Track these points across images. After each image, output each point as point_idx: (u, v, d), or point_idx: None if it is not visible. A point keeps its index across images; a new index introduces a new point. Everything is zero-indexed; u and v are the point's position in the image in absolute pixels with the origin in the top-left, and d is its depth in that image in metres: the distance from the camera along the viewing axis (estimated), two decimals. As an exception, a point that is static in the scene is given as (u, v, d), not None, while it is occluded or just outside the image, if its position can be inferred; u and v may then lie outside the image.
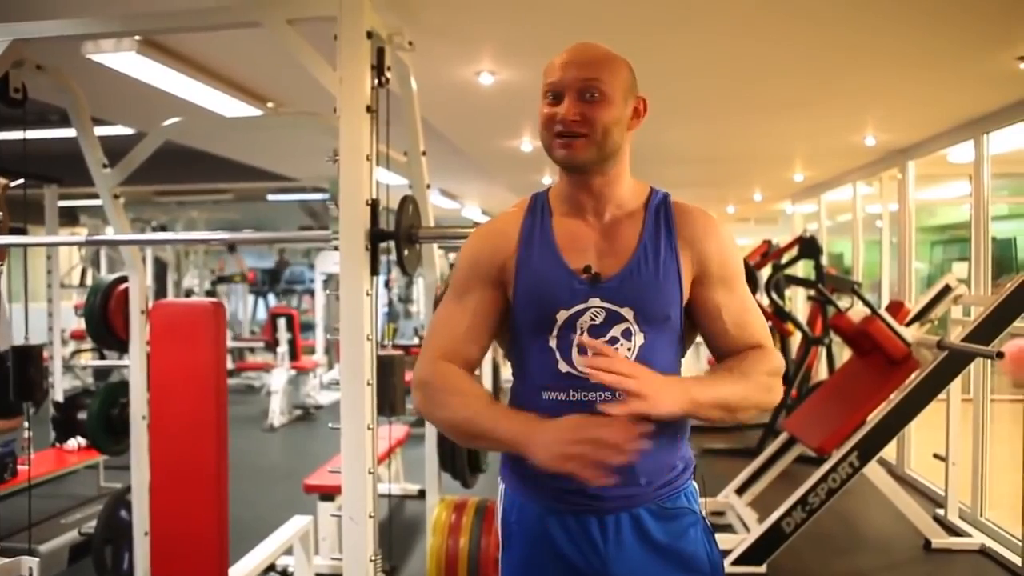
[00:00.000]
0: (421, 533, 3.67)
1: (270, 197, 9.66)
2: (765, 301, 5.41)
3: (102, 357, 7.23)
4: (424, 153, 2.62)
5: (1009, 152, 4.47)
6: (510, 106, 3.96)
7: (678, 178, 6.84)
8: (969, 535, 3.79)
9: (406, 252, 2.11)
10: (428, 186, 2.65)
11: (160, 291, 9.22)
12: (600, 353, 1.14)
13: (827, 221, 7.20)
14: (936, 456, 3.99)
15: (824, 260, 5.58)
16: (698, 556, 1.30)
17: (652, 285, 1.26)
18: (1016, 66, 3.17)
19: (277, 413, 6.97)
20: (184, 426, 2.33)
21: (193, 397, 2.33)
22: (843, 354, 5.32)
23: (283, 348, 7.37)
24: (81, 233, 8.38)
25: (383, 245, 2.02)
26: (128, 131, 4.78)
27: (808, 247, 5.53)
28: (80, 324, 7.15)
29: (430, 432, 2.92)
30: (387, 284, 8.62)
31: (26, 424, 3.16)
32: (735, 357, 1.29)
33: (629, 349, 1.24)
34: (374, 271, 2.00)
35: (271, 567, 3.21)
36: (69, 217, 8.42)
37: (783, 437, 4.19)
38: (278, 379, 7.09)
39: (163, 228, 9.37)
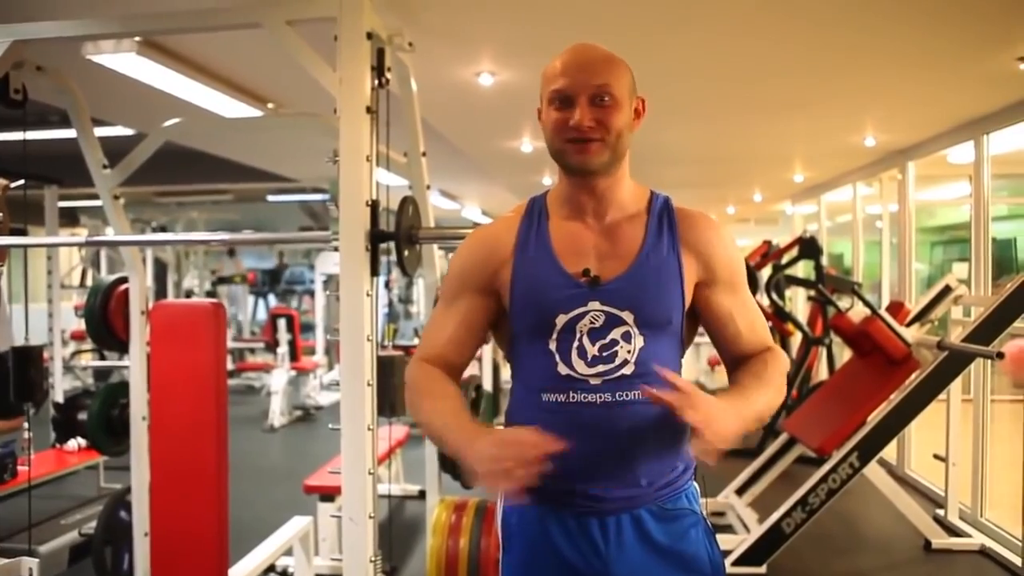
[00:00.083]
0: (421, 534, 3.67)
1: (270, 198, 9.66)
2: (765, 301, 5.41)
3: (102, 358, 7.22)
4: (424, 154, 2.62)
5: (1009, 153, 4.47)
6: (510, 107, 3.96)
7: (678, 178, 6.84)
8: (969, 535, 3.79)
9: (406, 253, 2.11)
10: (428, 187, 2.64)
11: (160, 292, 9.22)
12: (679, 390, 1.13)
13: (827, 222, 7.20)
14: (936, 456, 3.99)
15: (824, 261, 5.58)
16: (699, 557, 1.30)
17: (654, 289, 1.26)
18: (1016, 66, 3.17)
19: (277, 414, 6.98)
20: (184, 427, 2.33)
21: (193, 398, 2.33)
22: (843, 354, 5.32)
23: (283, 349, 7.38)
24: (81, 234, 8.38)
25: (383, 246, 2.02)
26: (128, 132, 4.78)
27: (808, 248, 5.53)
28: (80, 325, 7.15)
29: (430, 433, 2.92)
30: (387, 285, 8.61)
31: (26, 425, 3.17)
32: (756, 363, 1.30)
33: (629, 352, 1.24)
34: (374, 272, 2.00)
35: (271, 568, 3.20)
36: (69, 218, 8.41)
37: (783, 438, 4.19)
38: (278, 380, 7.09)
39: (163, 229, 9.37)
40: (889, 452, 4.44)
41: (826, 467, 3.34)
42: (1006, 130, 3.94)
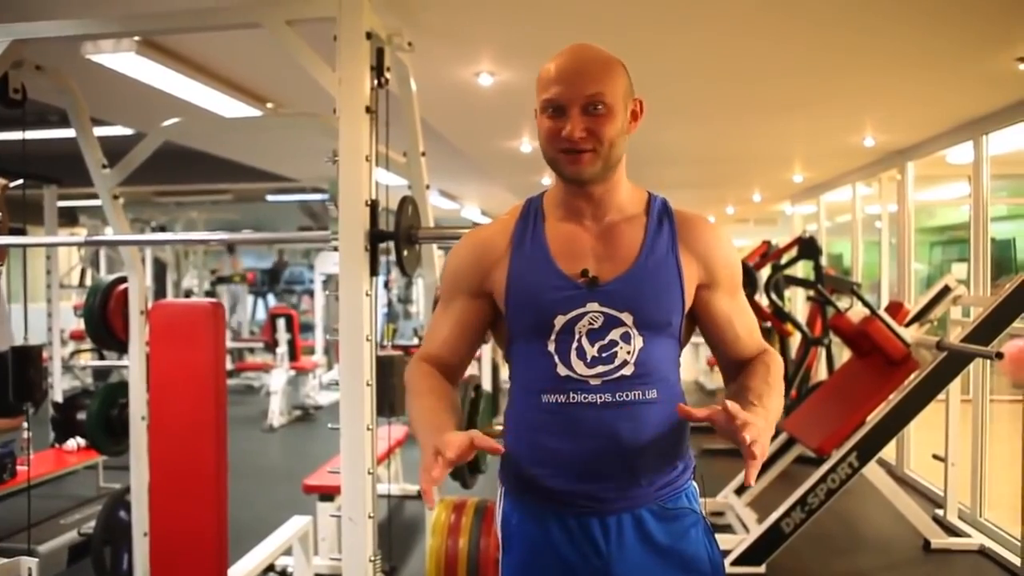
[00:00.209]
0: (420, 533, 3.67)
1: (269, 198, 9.66)
2: (765, 302, 5.41)
3: (101, 357, 7.21)
4: (423, 154, 2.62)
5: (1008, 153, 4.47)
6: (509, 107, 3.96)
7: (677, 179, 6.84)
8: (968, 535, 3.79)
9: (405, 253, 2.11)
10: (427, 187, 2.64)
11: (159, 291, 9.22)
12: (739, 419, 1.10)
13: (826, 222, 7.20)
14: (935, 457, 3.99)
15: (823, 261, 5.58)
16: (699, 557, 1.30)
17: (654, 290, 1.26)
18: (1016, 66, 3.17)
19: (276, 413, 6.97)
20: (183, 426, 2.33)
21: (192, 397, 2.33)
22: (842, 355, 5.32)
23: (282, 348, 7.38)
24: (80, 233, 8.37)
25: (382, 246, 2.02)
26: (128, 131, 4.78)
27: (807, 248, 5.53)
28: (79, 324, 7.14)
29: (429, 432, 2.91)
30: (386, 285, 8.62)
31: (25, 424, 3.17)
32: (760, 366, 1.30)
33: (628, 352, 1.24)
34: (373, 272, 2.00)
35: (270, 567, 3.21)
36: (68, 217, 8.41)
37: (782, 437, 4.19)
38: (277, 379, 7.09)
39: (162, 228, 9.37)
40: (888, 452, 4.44)
41: (825, 467, 3.34)
42: (1005, 130, 3.94)
